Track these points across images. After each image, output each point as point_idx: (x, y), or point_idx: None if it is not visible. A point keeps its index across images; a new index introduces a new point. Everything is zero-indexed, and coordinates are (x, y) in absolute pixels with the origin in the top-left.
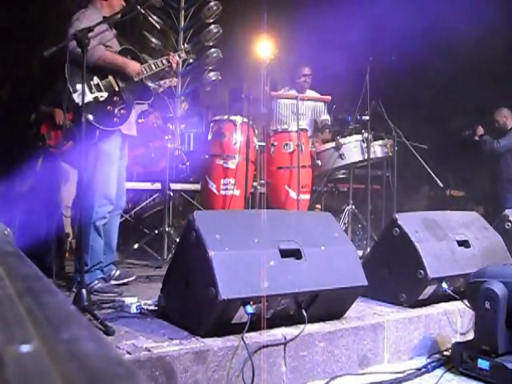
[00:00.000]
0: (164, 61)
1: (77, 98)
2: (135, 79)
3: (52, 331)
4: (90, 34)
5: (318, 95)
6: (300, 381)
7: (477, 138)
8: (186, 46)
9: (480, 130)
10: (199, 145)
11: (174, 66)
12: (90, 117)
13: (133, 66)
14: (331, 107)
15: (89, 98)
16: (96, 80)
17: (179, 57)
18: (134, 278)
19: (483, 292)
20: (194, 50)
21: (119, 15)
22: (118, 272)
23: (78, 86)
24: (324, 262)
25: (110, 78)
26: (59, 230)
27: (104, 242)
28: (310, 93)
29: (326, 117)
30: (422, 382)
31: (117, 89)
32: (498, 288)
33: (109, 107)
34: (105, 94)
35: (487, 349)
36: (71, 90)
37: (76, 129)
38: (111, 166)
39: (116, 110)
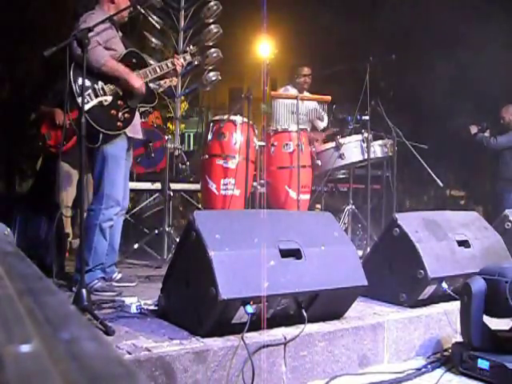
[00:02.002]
0: (169, 63)
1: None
2: (138, 92)
3: (52, 331)
4: (91, 34)
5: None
6: (300, 381)
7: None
8: (191, 47)
9: (473, 129)
10: (199, 145)
11: (179, 68)
12: (93, 122)
13: (134, 80)
14: (331, 107)
15: (93, 102)
16: (100, 84)
17: (184, 59)
18: (134, 284)
19: (462, 287)
20: (200, 52)
21: (124, 17)
22: (119, 275)
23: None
24: (324, 262)
25: (115, 83)
26: (59, 229)
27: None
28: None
29: (324, 123)
30: (421, 381)
31: (121, 93)
32: (475, 283)
33: (113, 111)
34: (109, 98)
35: (466, 341)
36: (76, 93)
37: (78, 131)
38: (118, 169)
39: (120, 114)
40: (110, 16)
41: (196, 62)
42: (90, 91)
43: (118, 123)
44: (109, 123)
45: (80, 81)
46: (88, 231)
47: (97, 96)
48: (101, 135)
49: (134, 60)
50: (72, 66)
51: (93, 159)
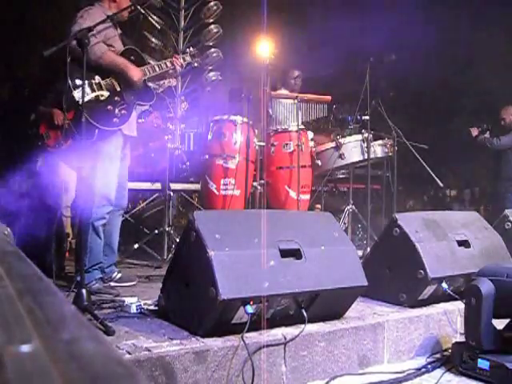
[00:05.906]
0: (168, 63)
1: (77, 94)
2: (137, 84)
3: (52, 331)
4: (92, 32)
5: None
6: (300, 381)
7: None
8: (192, 49)
9: (474, 131)
10: (199, 145)
11: (178, 68)
12: (89, 116)
13: (134, 71)
14: (331, 107)
15: (90, 96)
16: (97, 79)
17: (184, 60)
18: (134, 283)
19: (469, 289)
20: (200, 53)
21: (124, 16)
22: (119, 275)
23: (78, 83)
24: (324, 261)
25: (112, 77)
26: (59, 230)
27: (105, 242)
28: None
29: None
30: (421, 381)
31: (118, 89)
32: (484, 285)
33: (109, 107)
34: (106, 94)
35: (474, 344)
36: (71, 86)
37: (75, 127)
38: (111, 167)
39: (116, 110)
40: (111, 16)
41: (196, 64)
42: (86, 86)
43: (115, 119)
44: (105, 119)
45: (75, 76)
46: (82, 231)
47: (93, 91)
48: (96, 131)
49: (132, 57)
50: (68, 61)
51: (86, 156)
